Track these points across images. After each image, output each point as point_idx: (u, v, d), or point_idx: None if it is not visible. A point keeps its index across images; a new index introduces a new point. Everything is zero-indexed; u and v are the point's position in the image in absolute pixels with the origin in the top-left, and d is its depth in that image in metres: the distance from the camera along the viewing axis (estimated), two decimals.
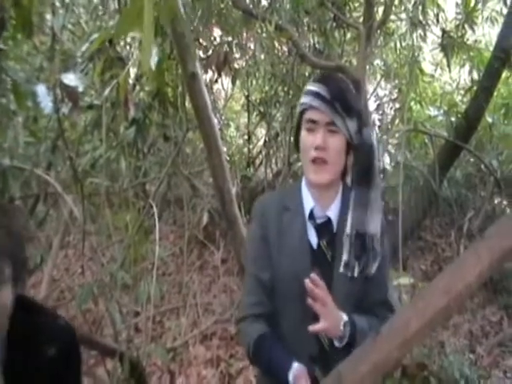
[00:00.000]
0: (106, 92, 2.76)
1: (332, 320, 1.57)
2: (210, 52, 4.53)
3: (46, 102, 2.51)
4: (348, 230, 1.71)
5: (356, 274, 1.69)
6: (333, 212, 1.77)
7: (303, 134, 1.72)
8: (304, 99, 1.72)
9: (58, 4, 3.33)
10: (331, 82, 1.70)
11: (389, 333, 0.96)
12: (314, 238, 1.76)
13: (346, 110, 1.66)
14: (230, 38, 5.26)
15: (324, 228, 1.77)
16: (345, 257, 1.70)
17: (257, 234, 1.83)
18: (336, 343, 1.62)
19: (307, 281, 1.53)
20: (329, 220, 1.77)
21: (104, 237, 3.92)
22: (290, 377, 1.57)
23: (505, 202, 6.62)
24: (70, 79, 2.47)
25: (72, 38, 4.04)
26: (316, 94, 1.67)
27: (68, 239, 5.21)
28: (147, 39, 1.23)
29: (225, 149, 6.60)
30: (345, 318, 1.61)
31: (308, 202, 1.79)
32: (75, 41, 3.95)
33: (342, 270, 1.69)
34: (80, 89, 2.50)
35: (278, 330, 1.76)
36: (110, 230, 3.46)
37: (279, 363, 1.65)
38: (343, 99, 1.66)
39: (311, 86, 1.71)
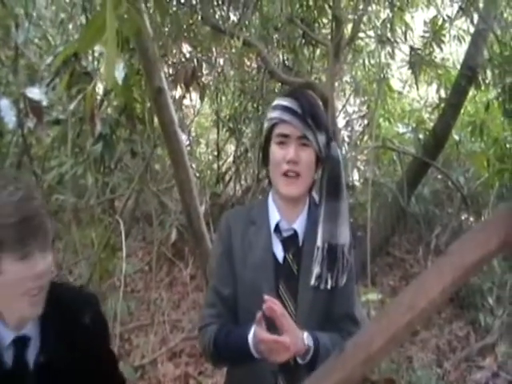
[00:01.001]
0: (72, 107, 2.72)
1: (294, 338, 1.54)
2: (179, 68, 4.52)
3: (9, 116, 2.46)
4: (319, 242, 1.71)
5: (329, 286, 1.69)
6: (299, 225, 1.77)
7: (274, 147, 1.71)
8: (274, 114, 1.72)
9: (23, 18, 3.29)
10: (301, 96, 1.71)
11: (353, 349, 0.95)
12: (280, 252, 1.75)
13: (316, 124, 1.67)
14: (198, 54, 5.27)
15: (290, 241, 1.76)
16: (317, 269, 1.69)
17: (220, 249, 1.83)
18: (299, 360, 1.60)
19: (265, 305, 1.49)
20: (295, 233, 1.77)
21: (71, 253, 3.85)
22: (250, 339, 1.58)
23: (471, 219, 6.71)
24: (34, 93, 2.43)
25: (39, 52, 3.99)
26: (287, 109, 1.68)
27: None
28: (110, 52, 1.22)
29: (194, 165, 6.60)
30: (306, 335, 1.59)
31: (274, 215, 1.78)
32: (42, 54, 3.90)
33: (313, 282, 1.69)
34: (44, 103, 2.46)
35: None
36: (77, 247, 3.41)
37: (237, 339, 1.65)
38: (314, 114, 1.67)
39: (281, 101, 1.72)
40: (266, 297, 1.51)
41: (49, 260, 1.38)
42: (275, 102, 1.76)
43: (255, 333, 1.53)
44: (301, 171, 1.68)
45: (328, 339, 1.64)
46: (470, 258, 0.87)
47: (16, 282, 1.34)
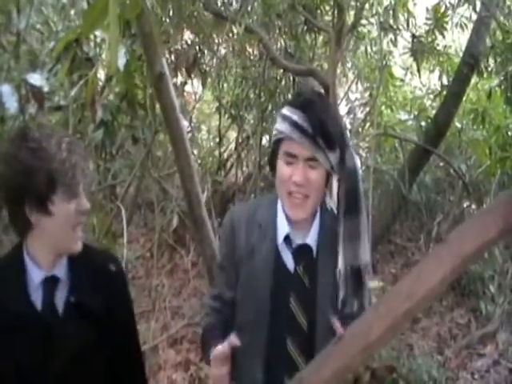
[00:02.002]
0: (73, 93, 2.71)
1: None
2: (180, 54, 4.50)
3: (10, 102, 2.45)
4: (341, 265, 1.62)
5: (355, 310, 1.60)
6: (311, 238, 1.69)
7: (280, 164, 1.62)
8: (281, 126, 1.60)
9: (24, 3, 3.27)
10: (312, 111, 1.57)
11: (351, 338, 0.95)
12: (290, 262, 1.69)
13: (327, 144, 1.55)
14: (200, 41, 5.24)
15: (301, 253, 1.69)
16: (341, 295, 1.62)
17: (223, 251, 1.82)
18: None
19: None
20: (307, 246, 1.70)
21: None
22: (211, 354, 1.59)
23: (473, 206, 6.71)
24: (36, 79, 2.42)
25: (40, 38, 3.97)
26: (295, 125, 1.55)
27: None
28: (112, 36, 1.21)
29: (196, 152, 6.60)
30: None
31: (283, 225, 1.70)
32: (43, 40, 3.88)
33: (339, 306, 1.61)
34: (45, 89, 2.45)
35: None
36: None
37: (209, 343, 1.66)
38: (325, 132, 1.55)
39: (290, 113, 1.59)
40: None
41: (86, 200, 1.55)
42: (284, 112, 1.62)
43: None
44: (308, 193, 1.60)
45: None
46: (470, 246, 0.87)
47: (65, 219, 1.49)
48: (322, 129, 1.54)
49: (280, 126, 1.61)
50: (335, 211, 1.69)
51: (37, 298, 1.55)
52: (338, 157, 1.60)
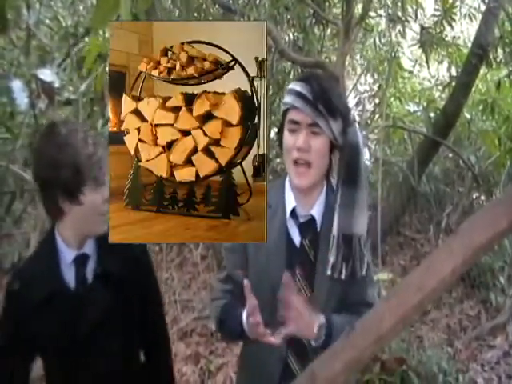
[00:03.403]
0: (83, 87, 2.72)
1: (303, 323, 1.56)
2: None
3: (21, 97, 2.47)
4: (335, 231, 1.67)
5: (343, 277, 1.66)
6: (316, 211, 1.74)
7: (285, 134, 1.67)
8: (287, 98, 1.67)
9: None
10: (314, 81, 1.64)
11: (362, 330, 0.96)
12: (296, 237, 1.74)
13: (329, 111, 1.60)
14: None
15: (307, 227, 1.74)
16: (332, 259, 1.66)
17: None
18: (312, 343, 1.61)
19: (285, 281, 1.52)
20: (312, 219, 1.74)
21: None
22: (244, 316, 1.63)
23: (483, 198, 6.68)
24: (46, 74, 2.44)
25: (50, 33, 3.98)
26: (298, 94, 1.62)
27: None
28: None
29: None
30: (322, 320, 1.59)
31: (290, 201, 1.75)
32: (53, 36, 3.89)
33: (329, 272, 1.67)
34: (56, 84, 2.47)
35: None
36: None
37: (233, 317, 1.70)
38: (326, 100, 1.60)
39: (294, 85, 1.66)
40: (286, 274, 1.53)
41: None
42: (290, 86, 1.70)
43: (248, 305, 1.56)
44: (311, 160, 1.63)
45: (346, 321, 1.60)
46: (481, 238, 0.88)
47: (94, 208, 1.62)
48: (323, 96, 1.61)
49: (286, 99, 1.69)
50: (335, 185, 1.75)
51: (69, 274, 1.70)
52: (340, 127, 1.65)
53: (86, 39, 3.47)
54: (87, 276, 1.73)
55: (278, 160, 6.05)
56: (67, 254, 1.70)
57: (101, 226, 1.67)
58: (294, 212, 1.75)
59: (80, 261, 1.71)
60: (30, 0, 3.06)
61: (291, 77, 6.40)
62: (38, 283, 1.66)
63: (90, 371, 1.72)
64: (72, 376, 1.73)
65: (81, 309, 1.68)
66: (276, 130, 1.80)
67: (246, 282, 1.53)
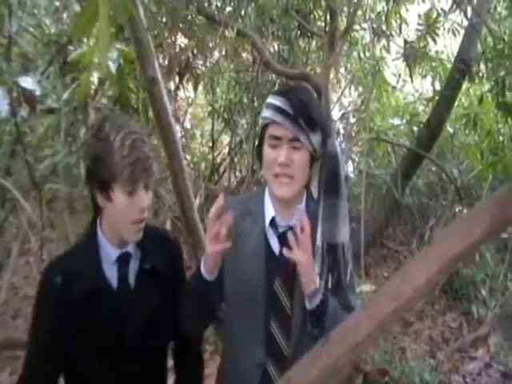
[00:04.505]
0: (65, 96, 2.71)
1: (310, 267, 1.58)
2: (173, 58, 4.51)
3: (2, 105, 2.46)
4: (319, 242, 1.68)
5: (330, 285, 1.66)
6: (295, 221, 1.69)
7: (266, 149, 1.67)
8: (266, 113, 1.67)
9: (16, 6, 3.26)
10: (294, 95, 1.64)
11: (339, 337, 0.96)
12: (276, 246, 1.74)
13: (309, 125, 1.61)
14: (193, 44, 5.25)
15: (286, 236, 1.69)
16: (317, 269, 1.66)
17: None
18: (307, 304, 1.61)
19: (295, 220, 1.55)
20: (291, 229, 1.71)
21: (64, 243, 3.85)
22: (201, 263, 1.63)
23: (465, 211, 6.73)
24: (28, 82, 2.43)
25: (33, 41, 3.96)
26: (278, 109, 1.62)
27: (29, 246, 5.11)
28: (103, 40, 1.22)
29: (189, 156, 6.58)
30: (317, 282, 1.61)
31: (269, 210, 1.76)
32: (36, 43, 3.87)
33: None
34: (37, 92, 2.46)
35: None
36: (70, 237, 3.40)
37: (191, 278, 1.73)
38: (307, 114, 1.61)
39: (273, 100, 1.66)
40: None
41: (150, 197, 1.68)
42: (268, 100, 1.70)
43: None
44: (293, 174, 1.64)
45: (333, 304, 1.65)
46: (456, 248, 0.89)
47: (123, 212, 1.62)
48: (303, 111, 1.61)
49: (264, 113, 1.68)
50: (315, 196, 1.77)
51: (111, 273, 1.72)
52: (320, 140, 1.67)
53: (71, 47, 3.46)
54: (129, 275, 1.75)
55: (263, 172, 6.06)
56: (110, 252, 1.72)
57: (131, 235, 1.68)
58: (273, 221, 1.76)
59: (123, 260, 1.74)
60: (12, 7, 3.04)
61: (276, 88, 6.44)
62: (80, 280, 1.65)
63: (127, 370, 1.74)
64: (107, 376, 1.73)
65: (126, 308, 1.70)
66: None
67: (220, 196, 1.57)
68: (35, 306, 1.72)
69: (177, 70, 3.92)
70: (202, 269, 1.62)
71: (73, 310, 1.64)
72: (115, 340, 1.69)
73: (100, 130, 1.61)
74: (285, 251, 1.56)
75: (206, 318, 1.83)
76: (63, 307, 1.63)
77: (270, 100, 1.68)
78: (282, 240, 1.74)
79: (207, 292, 1.66)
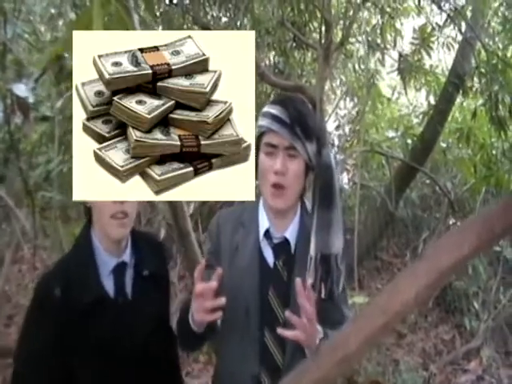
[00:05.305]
0: (59, 104, 2.71)
1: (311, 333, 1.54)
2: None
3: None
4: (312, 252, 1.68)
5: (323, 296, 1.67)
6: (290, 233, 1.76)
7: (262, 157, 1.68)
8: (262, 122, 1.68)
9: (12, 13, 3.27)
10: (290, 104, 1.67)
11: (329, 350, 0.96)
12: (270, 257, 1.75)
13: (305, 134, 1.63)
14: None
15: (281, 248, 1.75)
16: (310, 280, 1.66)
17: (208, 248, 1.86)
18: (307, 352, 1.60)
19: (298, 288, 1.49)
20: (286, 241, 1.75)
21: (58, 251, 3.84)
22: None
23: (458, 224, 6.74)
24: (21, 90, 2.43)
25: (28, 48, 3.96)
26: (275, 118, 1.64)
27: (22, 254, 5.09)
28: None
29: None
30: (321, 332, 1.59)
31: (263, 221, 1.77)
32: (31, 50, 3.87)
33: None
34: (31, 100, 2.46)
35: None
36: (64, 244, 3.40)
37: (181, 313, 1.74)
38: (303, 123, 1.63)
39: (270, 109, 1.68)
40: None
41: None
42: (265, 109, 1.72)
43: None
44: (288, 183, 1.65)
45: None
46: (444, 262, 0.88)
47: (103, 205, 1.63)
48: (300, 120, 1.64)
49: (260, 121, 1.70)
50: (309, 208, 1.77)
51: (108, 283, 1.71)
52: (315, 149, 1.68)
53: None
54: (126, 284, 1.75)
55: (257, 182, 6.06)
56: (106, 261, 1.72)
57: (111, 230, 1.68)
58: (267, 233, 1.76)
59: (119, 269, 1.74)
60: (6, 14, 3.05)
61: (271, 99, 6.44)
62: (80, 291, 1.64)
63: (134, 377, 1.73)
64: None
65: (126, 318, 1.71)
66: None
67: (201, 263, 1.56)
68: (31, 319, 1.68)
69: None
70: (191, 323, 1.62)
71: (72, 323, 1.61)
72: (115, 350, 1.67)
73: None
74: (281, 332, 1.53)
75: (195, 347, 1.96)
76: (63, 320, 1.60)
77: (267, 109, 1.70)
78: (277, 251, 1.75)
79: (195, 338, 1.69)
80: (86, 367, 1.67)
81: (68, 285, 1.63)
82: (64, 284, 1.63)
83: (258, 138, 1.70)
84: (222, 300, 1.50)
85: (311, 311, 1.51)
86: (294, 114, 1.63)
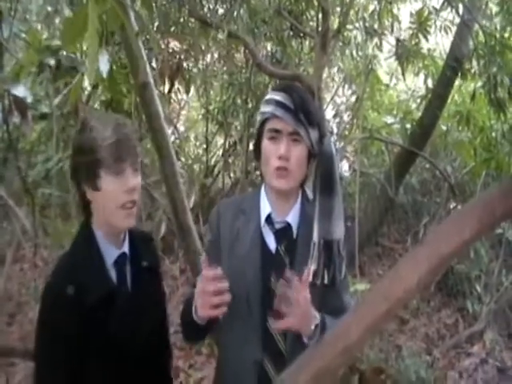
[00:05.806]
0: (57, 101, 2.71)
1: (305, 320, 1.58)
2: (164, 61, 4.50)
3: None
4: (315, 239, 1.70)
5: (326, 281, 1.69)
6: (292, 218, 1.78)
7: (265, 142, 1.71)
8: (266, 108, 1.71)
9: (6, 11, 3.26)
10: (294, 91, 1.70)
11: (331, 338, 0.96)
12: (272, 243, 1.77)
13: (308, 120, 1.66)
14: (186, 47, 5.24)
15: (283, 233, 1.77)
16: (313, 266, 1.68)
17: (208, 237, 1.90)
18: (305, 339, 1.62)
19: (282, 280, 1.56)
20: (288, 226, 1.77)
21: (58, 248, 3.84)
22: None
23: (459, 207, 6.74)
24: (19, 90, 2.42)
25: (25, 46, 3.95)
26: (279, 104, 1.67)
27: (23, 252, 5.10)
28: (92, 48, 1.23)
29: (183, 158, 6.58)
30: (318, 318, 1.61)
31: (265, 207, 1.79)
32: (28, 49, 3.86)
33: (310, 278, 1.66)
34: (29, 100, 2.45)
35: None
36: (64, 242, 3.40)
37: (186, 304, 1.79)
38: (306, 109, 1.66)
39: (274, 95, 1.71)
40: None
41: (138, 178, 1.67)
42: (268, 96, 1.75)
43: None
44: (291, 167, 1.68)
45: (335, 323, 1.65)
46: (445, 248, 0.89)
47: (112, 195, 1.62)
48: (303, 106, 1.67)
49: (264, 108, 1.73)
50: (311, 197, 1.80)
51: (112, 274, 1.72)
52: (317, 136, 1.71)
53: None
54: (127, 275, 1.76)
55: (258, 173, 6.07)
56: (110, 253, 1.73)
57: (122, 220, 1.67)
58: (269, 219, 1.78)
59: (121, 260, 1.75)
60: (3, 13, 3.04)
61: (269, 89, 6.43)
62: (92, 287, 1.64)
63: (131, 374, 1.73)
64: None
65: (130, 310, 1.72)
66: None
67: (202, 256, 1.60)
68: (49, 322, 1.63)
69: (168, 73, 3.91)
70: (194, 316, 1.65)
71: (87, 318, 1.60)
72: (121, 341, 1.68)
73: (83, 126, 1.65)
74: (273, 323, 1.58)
75: (198, 339, 1.96)
76: (78, 318, 1.59)
77: (271, 95, 1.73)
78: (279, 237, 1.77)
79: (198, 330, 1.73)
80: (97, 359, 1.67)
81: (78, 281, 1.62)
82: (77, 281, 1.62)
83: (262, 124, 1.74)
84: (227, 296, 1.54)
85: (306, 302, 1.55)
86: (298, 100, 1.66)
